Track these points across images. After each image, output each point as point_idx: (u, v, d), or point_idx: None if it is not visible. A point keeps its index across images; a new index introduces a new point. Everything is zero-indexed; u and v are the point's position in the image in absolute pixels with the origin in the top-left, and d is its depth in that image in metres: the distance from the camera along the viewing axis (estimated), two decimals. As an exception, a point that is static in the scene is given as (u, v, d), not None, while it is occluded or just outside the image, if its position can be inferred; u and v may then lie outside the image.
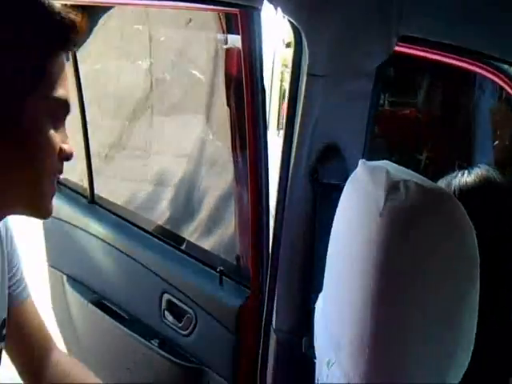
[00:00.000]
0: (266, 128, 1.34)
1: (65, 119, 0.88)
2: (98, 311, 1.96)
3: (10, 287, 1.10)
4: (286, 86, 1.24)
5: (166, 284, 1.71)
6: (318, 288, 1.08)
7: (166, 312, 1.73)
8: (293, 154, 1.22)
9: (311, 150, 1.21)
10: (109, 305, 1.97)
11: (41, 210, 0.91)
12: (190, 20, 1.70)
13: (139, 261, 1.81)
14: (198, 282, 1.65)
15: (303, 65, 1.15)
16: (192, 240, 1.89)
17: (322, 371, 0.87)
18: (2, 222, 1.04)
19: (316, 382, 1.03)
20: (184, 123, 1.99)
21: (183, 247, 1.85)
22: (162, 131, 2.07)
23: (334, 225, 0.87)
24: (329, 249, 0.88)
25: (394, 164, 0.74)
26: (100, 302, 1.99)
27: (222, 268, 1.59)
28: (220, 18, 1.54)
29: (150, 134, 2.12)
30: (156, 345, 1.72)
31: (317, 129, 1.19)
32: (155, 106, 2.06)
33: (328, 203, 1.15)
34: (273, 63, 12.94)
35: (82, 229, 2.08)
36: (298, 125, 1.19)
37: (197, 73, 1.75)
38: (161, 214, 2.08)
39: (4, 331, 1.05)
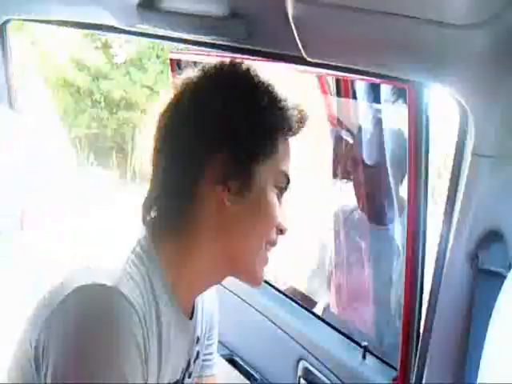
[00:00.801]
0: (426, 204, 1.29)
1: (283, 194, 1.01)
2: (229, 367, 1.95)
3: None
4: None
5: (304, 350, 1.68)
6: (469, 379, 1.02)
7: (301, 379, 1.70)
8: (451, 236, 1.18)
9: (472, 234, 1.16)
10: (241, 363, 1.96)
11: (254, 277, 0.99)
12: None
13: (276, 322, 1.80)
14: (339, 354, 1.60)
15: (468, 144, 1.13)
16: (335, 310, 1.85)
17: None
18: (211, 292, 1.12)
19: None
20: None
21: (325, 316, 1.83)
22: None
23: (495, 313, 0.83)
24: (488, 337, 0.83)
25: None
26: (231, 359, 1.98)
27: (366, 343, 1.54)
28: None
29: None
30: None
31: (479, 212, 1.14)
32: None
33: (488, 290, 1.09)
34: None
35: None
36: (458, 206, 1.16)
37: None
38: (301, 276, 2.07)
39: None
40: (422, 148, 1.23)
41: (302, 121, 1.03)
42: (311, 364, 1.66)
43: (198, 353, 1.08)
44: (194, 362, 1.07)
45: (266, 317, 1.85)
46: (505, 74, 0.98)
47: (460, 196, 1.16)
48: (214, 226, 0.92)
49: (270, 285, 1.97)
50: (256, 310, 1.90)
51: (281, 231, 0.98)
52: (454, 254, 1.19)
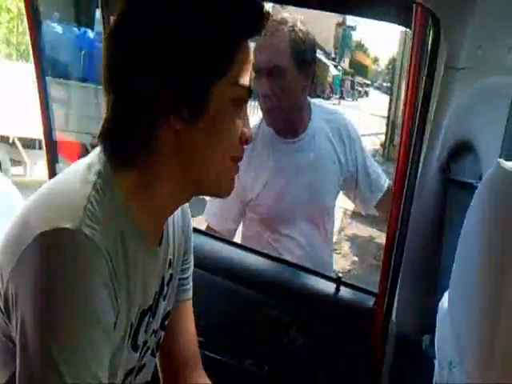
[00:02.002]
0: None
1: (247, 104, 0.94)
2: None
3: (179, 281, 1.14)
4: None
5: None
6: (444, 287, 1.07)
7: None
8: (424, 149, 1.20)
9: (444, 146, 1.18)
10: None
11: (223, 190, 0.97)
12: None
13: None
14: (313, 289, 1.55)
15: (440, 57, 1.12)
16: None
17: (442, 371, 0.87)
18: (181, 209, 1.10)
19: (434, 381, 1.02)
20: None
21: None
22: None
23: (465, 224, 0.85)
24: (458, 248, 0.86)
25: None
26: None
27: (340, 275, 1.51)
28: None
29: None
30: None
31: (451, 124, 1.16)
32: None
33: (459, 201, 1.13)
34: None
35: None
36: (431, 118, 1.17)
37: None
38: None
39: (166, 323, 1.09)
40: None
41: (262, 18, 0.89)
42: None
43: (171, 276, 1.08)
44: (168, 285, 1.07)
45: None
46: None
47: (433, 109, 1.16)
48: (172, 151, 0.88)
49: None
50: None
51: (246, 142, 0.93)
52: (426, 166, 1.21)
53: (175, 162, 0.89)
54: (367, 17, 1.24)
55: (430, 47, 1.15)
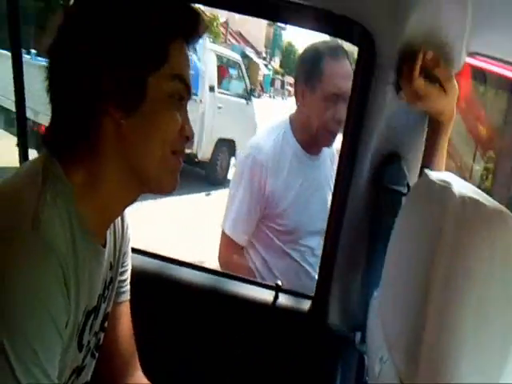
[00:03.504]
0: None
1: (186, 102, 0.98)
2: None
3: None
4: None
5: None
6: (374, 285, 1.13)
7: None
8: (359, 157, 1.26)
9: (376, 155, 1.24)
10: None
11: (165, 184, 0.98)
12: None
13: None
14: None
15: (376, 71, 1.18)
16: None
17: (373, 367, 0.91)
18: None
19: (365, 376, 1.08)
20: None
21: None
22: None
23: (395, 227, 0.92)
24: (389, 249, 0.93)
25: (457, 177, 0.78)
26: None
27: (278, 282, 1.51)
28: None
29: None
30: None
31: (383, 135, 1.22)
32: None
33: (388, 206, 1.20)
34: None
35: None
36: (366, 129, 1.23)
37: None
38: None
39: (105, 324, 1.10)
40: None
41: (195, 22, 0.97)
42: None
43: (111, 278, 1.09)
44: (108, 287, 1.08)
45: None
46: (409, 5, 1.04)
47: (368, 120, 1.23)
48: (114, 145, 0.91)
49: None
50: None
51: (187, 138, 0.97)
52: (359, 173, 1.27)
53: (118, 157, 0.91)
54: (312, 29, 1.28)
55: (360, 64, 1.22)
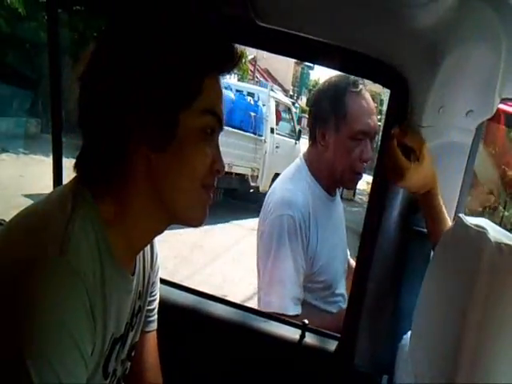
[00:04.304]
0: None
1: (217, 135, 0.97)
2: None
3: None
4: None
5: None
6: (403, 329, 1.12)
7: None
8: (388, 199, 1.26)
9: (405, 198, 1.24)
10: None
11: (194, 218, 0.98)
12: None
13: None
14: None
15: (409, 115, 1.18)
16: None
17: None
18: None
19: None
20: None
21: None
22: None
23: (428, 271, 0.91)
24: (421, 293, 0.92)
25: (492, 223, 0.78)
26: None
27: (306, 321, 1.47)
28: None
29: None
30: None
31: None
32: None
33: (418, 250, 1.19)
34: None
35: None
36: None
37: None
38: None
39: (132, 353, 1.11)
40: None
41: (231, 56, 0.95)
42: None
43: (140, 307, 1.10)
44: (137, 315, 1.08)
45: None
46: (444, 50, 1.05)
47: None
48: (145, 179, 0.91)
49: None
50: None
51: (217, 172, 0.96)
52: (387, 216, 1.27)
53: (148, 189, 0.92)
54: (344, 71, 1.30)
55: (397, 105, 1.21)
